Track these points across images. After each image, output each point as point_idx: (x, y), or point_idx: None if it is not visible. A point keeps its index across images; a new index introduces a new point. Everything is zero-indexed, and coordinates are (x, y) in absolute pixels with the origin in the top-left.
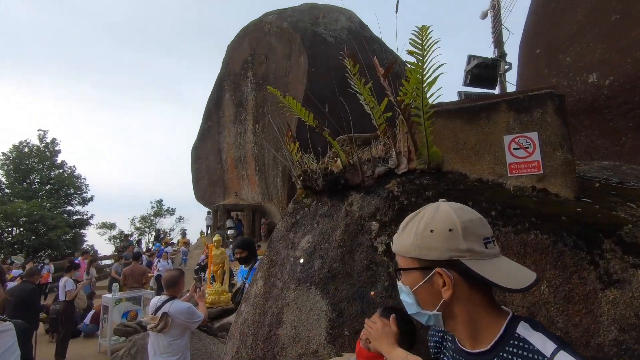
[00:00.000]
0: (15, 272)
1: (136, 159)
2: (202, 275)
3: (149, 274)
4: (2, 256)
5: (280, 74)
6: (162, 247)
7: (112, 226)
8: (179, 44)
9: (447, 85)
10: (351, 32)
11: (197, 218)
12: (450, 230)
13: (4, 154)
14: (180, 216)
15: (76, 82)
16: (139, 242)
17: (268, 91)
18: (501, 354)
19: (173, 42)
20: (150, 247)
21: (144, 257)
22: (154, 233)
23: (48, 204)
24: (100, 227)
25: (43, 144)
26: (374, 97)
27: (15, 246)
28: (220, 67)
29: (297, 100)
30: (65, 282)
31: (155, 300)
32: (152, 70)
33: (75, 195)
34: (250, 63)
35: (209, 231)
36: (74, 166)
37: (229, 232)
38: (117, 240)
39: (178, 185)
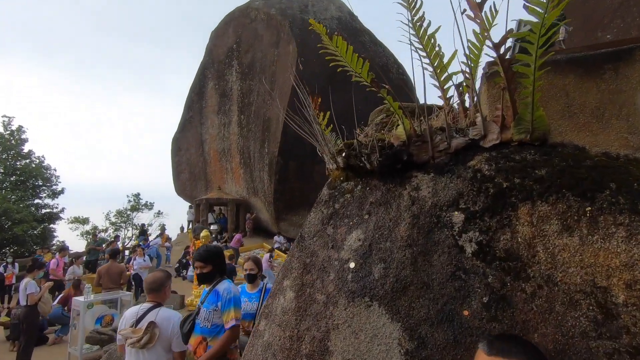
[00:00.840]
0: None
1: (113, 150)
2: (185, 273)
3: (127, 273)
4: None
5: (267, 63)
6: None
7: (84, 221)
8: (161, 30)
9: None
10: (341, 21)
11: (177, 213)
12: None
13: None
14: (159, 211)
15: (48, 69)
16: (116, 237)
17: (254, 81)
18: None
19: (154, 29)
20: (128, 244)
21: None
22: (137, 228)
23: (13, 197)
24: (72, 222)
25: (8, 132)
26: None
27: None
28: (204, 55)
29: (286, 89)
30: (27, 284)
31: (135, 309)
32: (132, 58)
33: (44, 188)
34: (236, 51)
35: (189, 226)
36: (42, 156)
37: (212, 227)
38: (90, 236)
39: (157, 179)
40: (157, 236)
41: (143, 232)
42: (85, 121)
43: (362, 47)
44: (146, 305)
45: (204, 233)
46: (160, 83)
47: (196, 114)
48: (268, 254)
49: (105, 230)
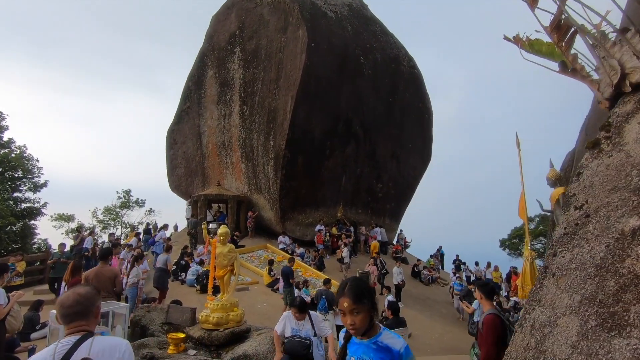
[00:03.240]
0: None
1: (104, 146)
2: (183, 276)
3: (120, 278)
4: None
5: (273, 50)
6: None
7: (69, 218)
8: (156, 25)
9: None
10: (352, 9)
11: (170, 211)
12: None
13: None
14: (151, 208)
15: (41, 63)
16: (90, 232)
17: (258, 69)
18: None
19: (148, 23)
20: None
21: (125, 253)
22: (128, 227)
23: None
24: (56, 219)
25: None
26: None
27: None
28: (203, 41)
29: (294, 77)
30: None
31: (49, 351)
32: (126, 53)
33: (24, 180)
34: (239, 37)
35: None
36: (24, 146)
37: (210, 226)
38: (72, 234)
39: (149, 176)
40: (161, 228)
41: (147, 231)
42: (77, 117)
43: (374, 37)
44: (69, 339)
45: (222, 229)
46: (155, 79)
47: (194, 104)
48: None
49: (92, 230)
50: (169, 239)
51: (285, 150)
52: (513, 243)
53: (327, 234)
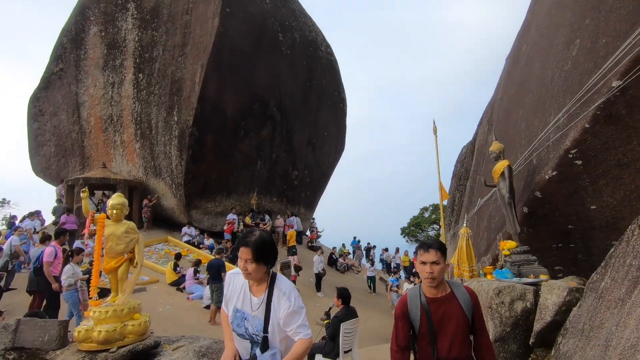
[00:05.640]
0: None
1: None
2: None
3: None
4: None
5: (178, 10)
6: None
7: None
8: None
9: None
10: None
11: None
12: None
13: None
14: (4, 199)
15: None
16: None
17: (159, 31)
18: None
19: None
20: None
21: None
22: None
23: None
24: None
25: None
26: None
27: None
28: None
29: (205, 44)
30: None
31: None
32: None
33: None
34: None
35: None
36: None
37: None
38: None
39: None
40: (26, 217)
41: (11, 225)
42: None
43: (292, 15)
44: None
45: (117, 199)
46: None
47: (69, 67)
48: (192, 269)
49: None
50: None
51: (193, 127)
52: (412, 230)
53: (241, 223)
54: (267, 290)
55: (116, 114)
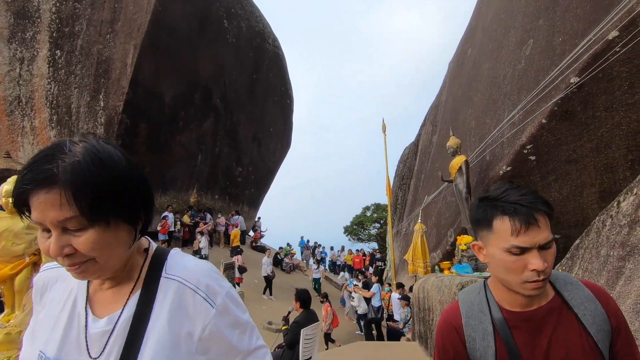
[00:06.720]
0: None
1: None
2: None
3: None
4: None
5: None
6: None
7: None
8: None
9: None
10: None
11: None
12: None
13: None
14: None
15: None
16: None
17: (82, 2)
18: None
19: None
20: None
21: None
22: None
23: None
24: None
25: None
26: None
27: None
28: None
29: (139, 22)
30: None
31: None
32: None
33: None
34: None
35: None
36: None
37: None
38: None
39: None
40: None
41: None
42: None
43: (239, 3)
44: None
45: (10, 185)
46: None
47: None
48: None
49: None
50: None
51: (123, 114)
52: (354, 229)
53: (178, 222)
54: (139, 292)
55: (25, 95)
